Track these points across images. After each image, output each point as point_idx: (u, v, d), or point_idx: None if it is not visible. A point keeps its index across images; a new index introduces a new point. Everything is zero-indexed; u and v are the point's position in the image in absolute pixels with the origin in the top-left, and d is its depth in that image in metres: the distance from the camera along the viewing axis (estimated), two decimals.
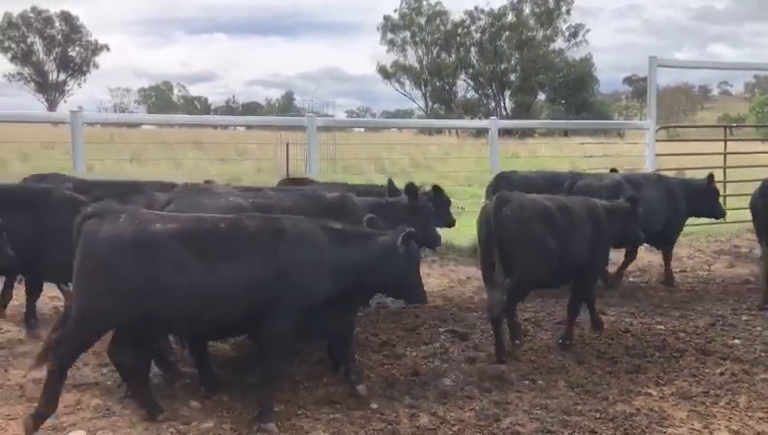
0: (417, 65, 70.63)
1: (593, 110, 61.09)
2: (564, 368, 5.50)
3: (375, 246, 4.62)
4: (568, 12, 67.76)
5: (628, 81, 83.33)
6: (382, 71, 71.18)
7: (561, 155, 22.86)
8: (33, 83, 74.28)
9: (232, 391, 4.87)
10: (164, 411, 4.46)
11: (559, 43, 68.58)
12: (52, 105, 71.20)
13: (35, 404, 4.57)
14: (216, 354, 5.62)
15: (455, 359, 5.64)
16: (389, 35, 70.26)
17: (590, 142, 17.92)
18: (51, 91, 74.61)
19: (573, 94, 64.85)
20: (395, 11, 69.70)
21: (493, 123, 10.62)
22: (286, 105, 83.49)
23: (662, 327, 6.68)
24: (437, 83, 71.34)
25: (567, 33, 68.34)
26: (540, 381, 5.21)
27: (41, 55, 73.76)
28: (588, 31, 68.20)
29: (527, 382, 5.19)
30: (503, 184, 8.34)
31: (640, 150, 12.84)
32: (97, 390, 4.89)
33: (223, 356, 5.67)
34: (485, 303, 6.09)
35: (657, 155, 11.80)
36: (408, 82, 72.08)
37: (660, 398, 4.92)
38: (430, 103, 72.45)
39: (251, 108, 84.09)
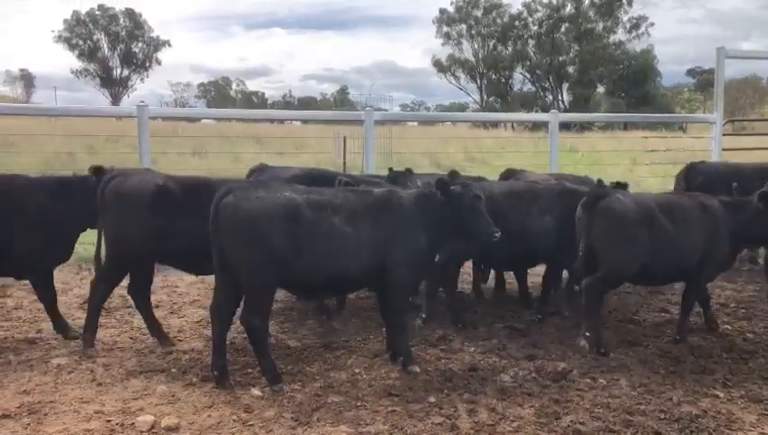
0: (472, 58, 70.13)
1: (654, 103, 59.52)
2: (626, 366, 5.38)
3: (748, 209, 5.93)
4: (629, 2, 66.06)
5: (691, 73, 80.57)
6: (437, 64, 71.00)
7: (621, 149, 22.31)
8: (98, 79, 76.88)
9: (293, 381, 4.96)
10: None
11: (619, 35, 66.95)
12: (115, 100, 73.58)
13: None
14: (277, 345, 5.73)
15: (513, 355, 5.58)
16: (445, 28, 69.99)
17: (652, 136, 17.41)
18: (115, 87, 77.07)
19: (634, 87, 63.35)
20: (451, 4, 69.38)
21: (553, 116, 10.43)
22: (341, 99, 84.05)
23: (729, 327, 6.46)
24: (493, 77, 70.74)
25: (629, 25, 66.63)
26: (601, 380, 5.10)
27: (106, 51, 76.29)
28: (652, 24, 66.30)
29: (588, 380, 5.09)
30: (692, 174, 8.64)
31: (705, 145, 12.44)
32: (163, 376, 5.04)
33: (283, 347, 5.76)
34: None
35: (723, 149, 11.41)
36: (462, 76, 71.73)
37: (728, 400, 4.76)
38: (485, 97, 71.83)
39: (307, 102, 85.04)
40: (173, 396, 4.68)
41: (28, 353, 5.49)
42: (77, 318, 6.53)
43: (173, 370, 5.18)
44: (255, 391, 4.77)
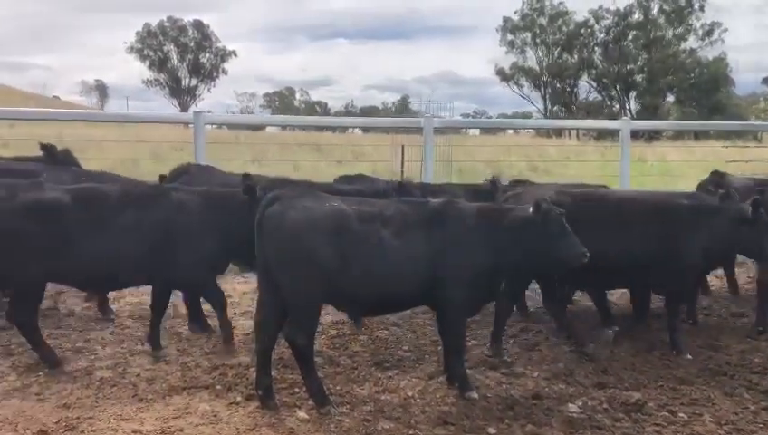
0: (536, 67, 68.95)
1: (727, 112, 57.07)
2: (710, 399, 4.85)
3: None
4: (701, 8, 63.71)
5: (767, 81, 76.94)
6: (500, 73, 70.09)
7: (693, 159, 21.28)
8: (167, 89, 79.27)
9: (341, 403, 4.65)
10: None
11: (691, 42, 64.59)
12: (184, 109, 75.26)
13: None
14: (326, 364, 5.43)
15: (581, 382, 5.11)
16: (509, 37, 69.05)
17: (732, 146, 16.44)
18: (183, 96, 79.25)
19: (706, 96, 60.98)
20: (515, 12, 68.45)
21: (625, 124, 9.81)
22: (402, 108, 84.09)
23: None
24: (558, 85, 69.37)
25: (701, 32, 64.22)
26: (681, 414, 4.59)
27: (175, 62, 78.62)
28: (725, 30, 63.66)
29: (666, 414, 4.59)
30: None
31: None
32: (206, 393, 4.80)
33: (333, 364, 5.46)
34: None
35: None
36: (526, 84, 70.58)
37: None
38: (549, 105, 70.54)
39: (368, 112, 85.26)
40: (215, 416, 4.42)
41: (74, 364, 5.35)
42: (126, 327, 6.42)
43: (217, 386, 4.93)
44: (301, 414, 4.47)
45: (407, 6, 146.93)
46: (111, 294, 7.44)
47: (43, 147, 7.38)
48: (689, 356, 5.65)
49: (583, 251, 4.75)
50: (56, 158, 7.32)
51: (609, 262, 5.50)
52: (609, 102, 68.97)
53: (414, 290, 4.68)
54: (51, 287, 7.35)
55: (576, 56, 67.54)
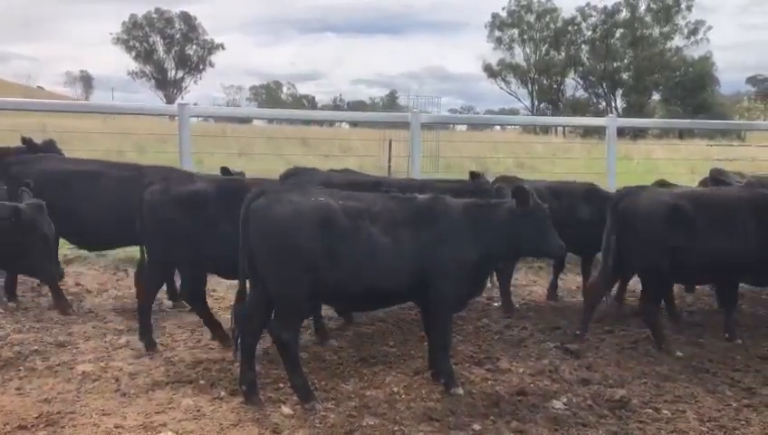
0: (524, 63, 69.15)
1: (712, 111, 57.56)
2: (693, 396, 4.87)
3: None
4: (688, 8, 64.15)
5: (751, 80, 77.61)
6: (488, 69, 70.26)
7: (677, 158, 21.43)
8: (153, 81, 78.68)
9: (326, 399, 4.63)
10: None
11: (677, 41, 65.02)
12: (170, 101, 74.75)
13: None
14: (312, 359, 5.40)
15: (566, 379, 5.12)
16: (497, 33, 69.20)
17: (716, 145, 16.56)
18: (169, 88, 78.69)
19: (691, 95, 61.42)
20: (503, 9, 68.58)
21: (610, 121, 9.85)
22: (390, 103, 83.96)
23: None
24: (545, 82, 69.61)
25: (686, 31, 64.67)
26: (665, 411, 4.61)
27: (161, 54, 78.05)
28: (710, 28, 64.15)
29: (650, 411, 4.61)
30: None
31: None
32: (190, 388, 4.76)
33: (318, 359, 5.43)
34: None
35: None
36: (513, 81, 70.80)
37: None
38: (536, 102, 70.79)
39: (356, 106, 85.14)
40: (198, 411, 4.39)
41: (55, 358, 5.29)
42: (109, 321, 6.35)
43: (201, 381, 4.89)
44: (286, 409, 4.44)
45: (396, 1, 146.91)
46: (94, 288, 7.42)
47: (24, 139, 7.41)
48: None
49: (562, 243, 4.89)
50: (37, 149, 7.30)
51: (728, 258, 5.73)
52: (595, 100, 69.34)
53: (401, 285, 4.66)
54: (33, 280, 7.37)
55: (563, 53, 67.86)
